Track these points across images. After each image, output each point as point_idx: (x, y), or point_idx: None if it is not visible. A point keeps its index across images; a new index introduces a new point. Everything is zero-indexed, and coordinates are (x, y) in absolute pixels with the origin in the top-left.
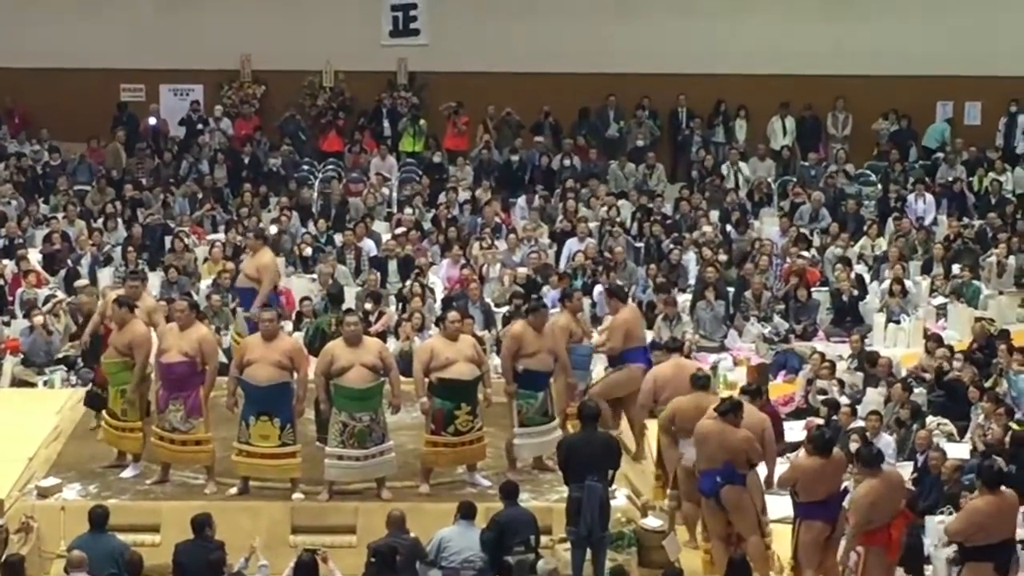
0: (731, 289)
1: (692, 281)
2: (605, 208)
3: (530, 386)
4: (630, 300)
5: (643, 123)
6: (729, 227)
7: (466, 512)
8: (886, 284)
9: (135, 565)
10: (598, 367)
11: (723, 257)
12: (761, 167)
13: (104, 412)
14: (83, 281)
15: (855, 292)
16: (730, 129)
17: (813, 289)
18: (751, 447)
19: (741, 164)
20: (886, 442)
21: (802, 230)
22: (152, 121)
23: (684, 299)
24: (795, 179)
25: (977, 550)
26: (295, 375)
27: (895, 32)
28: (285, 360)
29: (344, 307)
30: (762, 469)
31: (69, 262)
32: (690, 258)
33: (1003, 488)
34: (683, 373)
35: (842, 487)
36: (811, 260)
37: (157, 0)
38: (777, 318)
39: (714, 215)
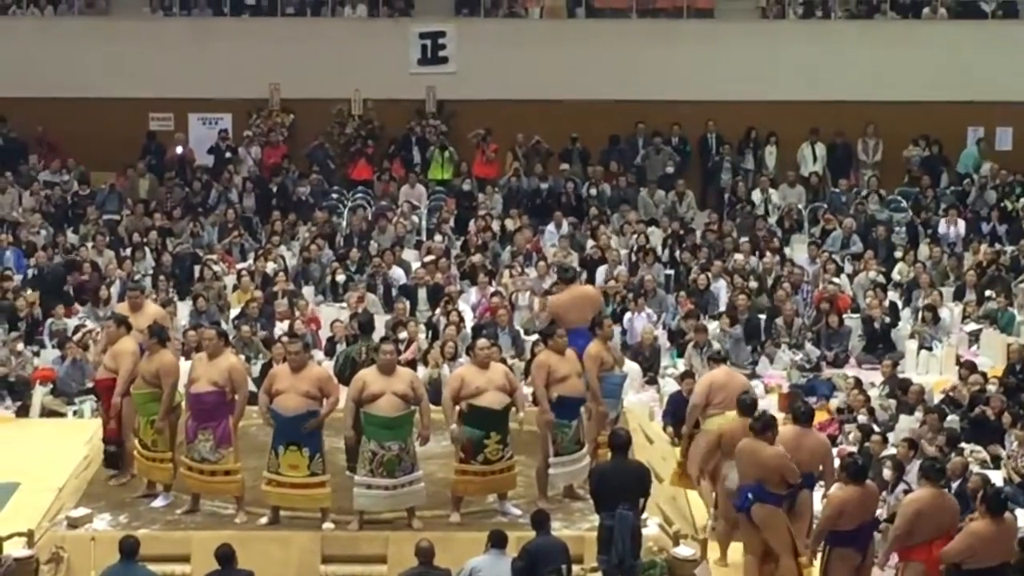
0: (762, 316)
1: (722, 308)
2: (635, 235)
3: (564, 414)
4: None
5: (661, 150)
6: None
7: (497, 541)
8: (918, 310)
9: None
10: (629, 394)
11: (754, 284)
12: (791, 194)
13: (136, 442)
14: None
15: (887, 319)
16: (760, 156)
17: (844, 316)
18: (783, 465)
19: (771, 191)
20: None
21: (833, 257)
22: (179, 150)
23: (715, 326)
24: (826, 205)
25: (972, 573)
26: (325, 403)
27: (925, 58)
28: (314, 390)
29: (373, 335)
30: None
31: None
32: (720, 285)
33: (1006, 514)
34: (735, 381)
35: (875, 516)
36: (839, 287)
37: (186, 29)
38: (808, 345)
39: (744, 242)
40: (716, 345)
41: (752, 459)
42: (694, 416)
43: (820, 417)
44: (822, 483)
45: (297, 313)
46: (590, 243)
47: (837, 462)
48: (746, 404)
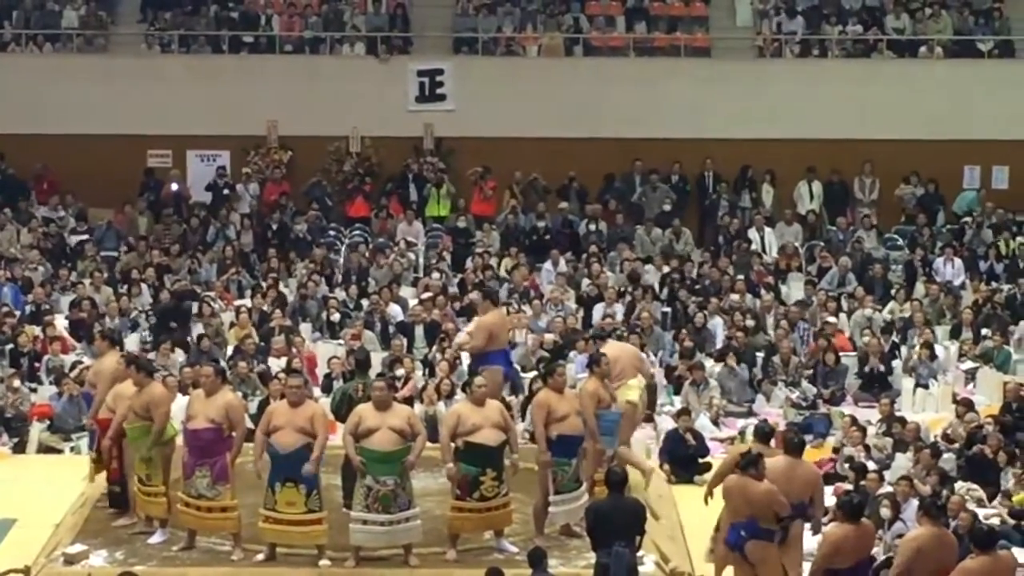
0: (759, 354)
1: (719, 346)
2: (632, 273)
3: (564, 453)
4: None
5: (658, 188)
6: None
7: None
8: (914, 349)
9: None
10: (625, 429)
11: (750, 323)
12: (788, 232)
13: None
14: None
15: (883, 362)
16: (757, 194)
17: (841, 354)
18: (774, 500)
19: (768, 229)
20: (914, 507)
21: (830, 294)
22: (174, 187)
23: (712, 364)
24: (822, 244)
25: None
26: (315, 440)
27: (922, 97)
28: (310, 426)
29: (370, 372)
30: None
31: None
32: (717, 323)
33: (999, 550)
34: (627, 352)
35: (871, 555)
36: (837, 326)
37: (184, 66)
38: (805, 383)
39: (740, 280)
40: (713, 383)
41: (743, 496)
42: None
43: (818, 455)
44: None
45: (294, 350)
46: (586, 281)
47: (833, 499)
48: (764, 432)
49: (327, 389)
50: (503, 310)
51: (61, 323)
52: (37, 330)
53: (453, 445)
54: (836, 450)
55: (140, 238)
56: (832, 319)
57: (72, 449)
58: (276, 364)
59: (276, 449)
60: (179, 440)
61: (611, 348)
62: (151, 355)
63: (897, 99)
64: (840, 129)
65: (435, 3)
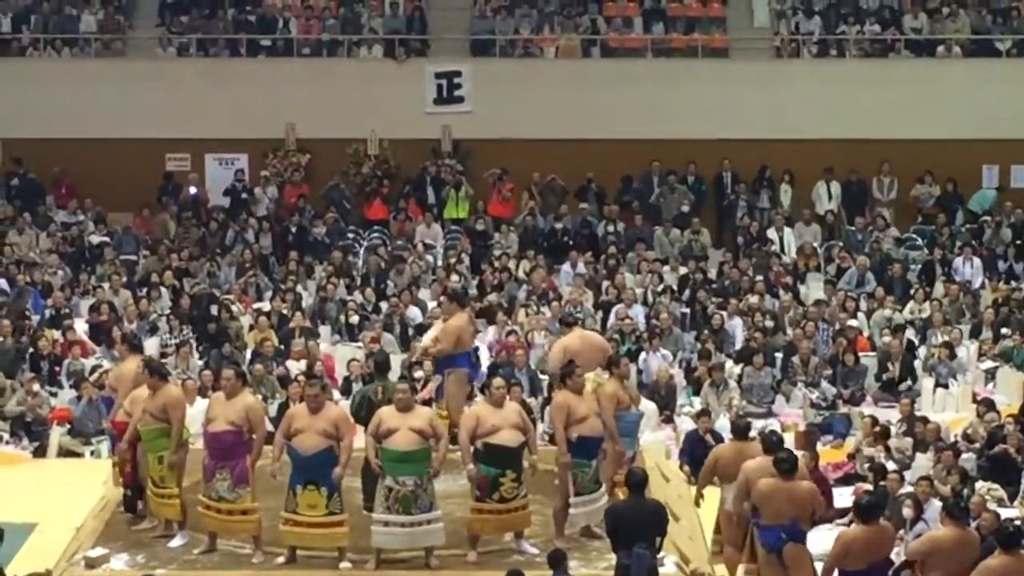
0: (778, 355)
1: (738, 346)
2: (651, 274)
3: (584, 454)
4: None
5: (676, 189)
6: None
7: None
8: (934, 349)
9: None
10: (646, 432)
11: (769, 323)
12: (807, 232)
13: (149, 480)
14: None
15: (902, 362)
16: (775, 194)
17: (861, 354)
18: (817, 499)
19: (786, 229)
20: (935, 508)
21: (849, 295)
22: (192, 190)
23: (731, 365)
24: (841, 244)
25: None
26: (341, 443)
27: (940, 96)
28: (331, 429)
29: (390, 375)
30: None
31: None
32: (736, 324)
33: (1021, 551)
34: (590, 342)
35: (890, 556)
36: (859, 330)
37: (202, 70)
38: (824, 383)
39: (759, 281)
40: (732, 384)
41: (788, 498)
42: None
43: (836, 457)
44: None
45: (319, 353)
46: (605, 283)
47: (851, 501)
48: (740, 429)
49: (346, 392)
50: (468, 312)
51: (81, 327)
52: (57, 334)
53: (472, 447)
54: (852, 455)
55: (158, 242)
56: (853, 321)
57: (92, 453)
58: (295, 367)
59: (297, 452)
60: (196, 444)
61: (573, 338)
62: (170, 359)
63: (915, 99)
64: (858, 129)
65: (452, 5)
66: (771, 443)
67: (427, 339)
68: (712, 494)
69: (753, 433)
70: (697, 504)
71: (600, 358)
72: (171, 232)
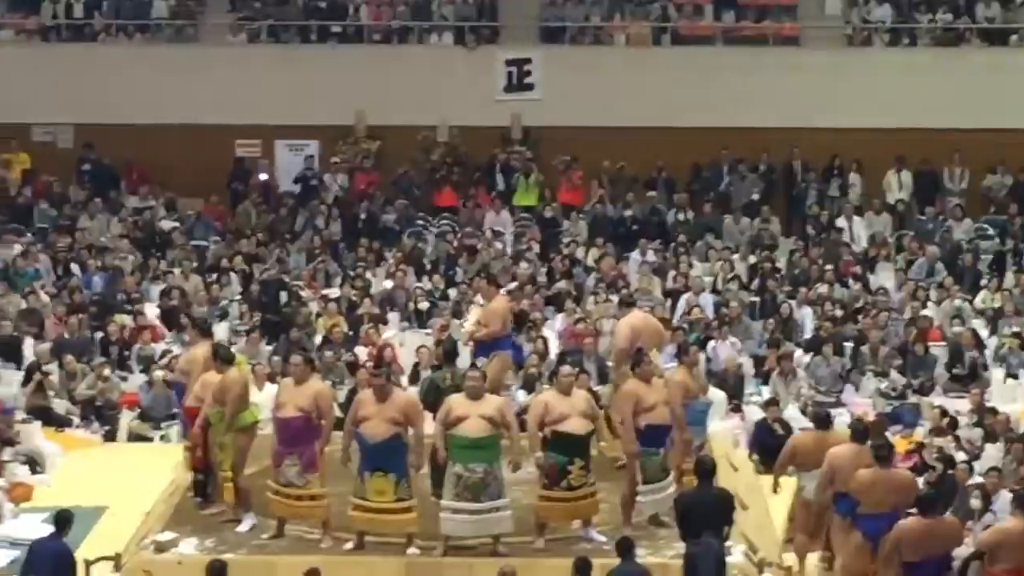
0: (848, 344)
1: (807, 335)
2: (720, 262)
3: (652, 443)
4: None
5: (746, 177)
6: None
7: (582, 568)
8: (1005, 339)
9: None
10: (714, 421)
11: (839, 312)
12: (877, 221)
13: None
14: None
15: (974, 350)
16: (845, 183)
17: (931, 344)
18: (915, 487)
19: (856, 218)
20: (1005, 499)
21: (920, 285)
22: (262, 176)
23: (800, 354)
24: (911, 233)
25: None
26: (410, 430)
27: (1012, 85)
28: (399, 416)
29: (458, 362)
30: None
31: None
32: (805, 313)
33: None
34: (651, 324)
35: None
36: (931, 320)
37: (273, 56)
38: (894, 373)
39: (829, 270)
40: (801, 373)
41: (888, 486)
42: (621, 359)
43: (904, 447)
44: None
45: (379, 340)
46: (672, 271)
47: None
48: (822, 419)
49: (415, 379)
50: (505, 294)
51: (151, 312)
52: (127, 319)
53: (540, 434)
54: (920, 445)
55: (240, 230)
56: (925, 311)
57: (162, 437)
58: (364, 353)
59: (365, 439)
60: (265, 429)
61: (636, 319)
62: (240, 344)
63: (987, 88)
64: (929, 118)
65: None
66: (860, 432)
67: (469, 325)
68: (787, 484)
69: None
70: (774, 491)
71: (658, 340)
72: (252, 220)
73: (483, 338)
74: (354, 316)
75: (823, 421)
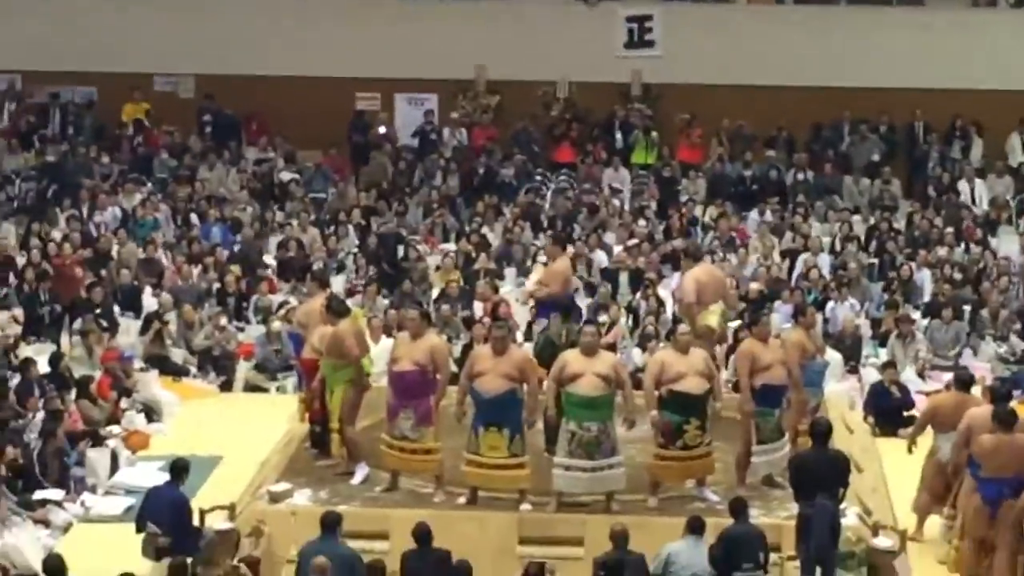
0: (967, 308)
1: (926, 298)
2: (840, 223)
3: (768, 403)
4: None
5: (867, 138)
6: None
7: (695, 527)
8: None
9: (379, 572)
10: (830, 382)
11: (958, 276)
12: (999, 184)
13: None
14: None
15: None
16: (967, 145)
17: None
18: None
19: (978, 181)
20: None
21: None
22: (381, 130)
23: (918, 317)
24: None
25: None
26: (525, 386)
27: None
28: (514, 372)
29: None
30: None
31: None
32: (924, 275)
33: None
34: (716, 277)
35: None
36: None
37: (392, 9)
38: (1014, 337)
39: (949, 232)
40: (920, 336)
41: (1012, 452)
42: (687, 313)
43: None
44: None
45: (495, 295)
46: (790, 232)
47: None
48: (963, 380)
49: (528, 335)
50: (569, 255)
51: (269, 263)
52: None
53: (657, 393)
54: None
55: (375, 183)
56: None
57: (278, 389)
58: (480, 308)
59: (480, 394)
60: (379, 382)
61: (701, 272)
62: (357, 297)
63: None
64: None
65: None
66: (999, 394)
67: (531, 283)
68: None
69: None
70: (909, 451)
71: (723, 292)
72: (388, 174)
73: (542, 297)
74: (470, 271)
75: (965, 383)
